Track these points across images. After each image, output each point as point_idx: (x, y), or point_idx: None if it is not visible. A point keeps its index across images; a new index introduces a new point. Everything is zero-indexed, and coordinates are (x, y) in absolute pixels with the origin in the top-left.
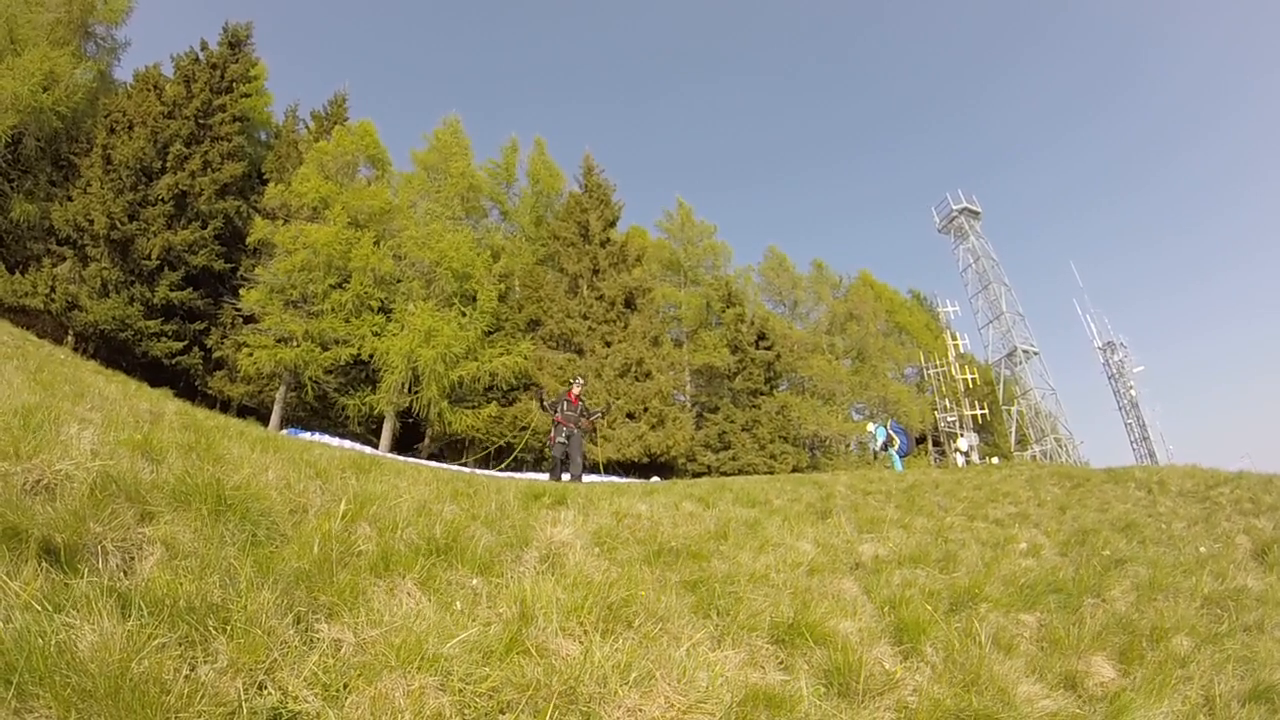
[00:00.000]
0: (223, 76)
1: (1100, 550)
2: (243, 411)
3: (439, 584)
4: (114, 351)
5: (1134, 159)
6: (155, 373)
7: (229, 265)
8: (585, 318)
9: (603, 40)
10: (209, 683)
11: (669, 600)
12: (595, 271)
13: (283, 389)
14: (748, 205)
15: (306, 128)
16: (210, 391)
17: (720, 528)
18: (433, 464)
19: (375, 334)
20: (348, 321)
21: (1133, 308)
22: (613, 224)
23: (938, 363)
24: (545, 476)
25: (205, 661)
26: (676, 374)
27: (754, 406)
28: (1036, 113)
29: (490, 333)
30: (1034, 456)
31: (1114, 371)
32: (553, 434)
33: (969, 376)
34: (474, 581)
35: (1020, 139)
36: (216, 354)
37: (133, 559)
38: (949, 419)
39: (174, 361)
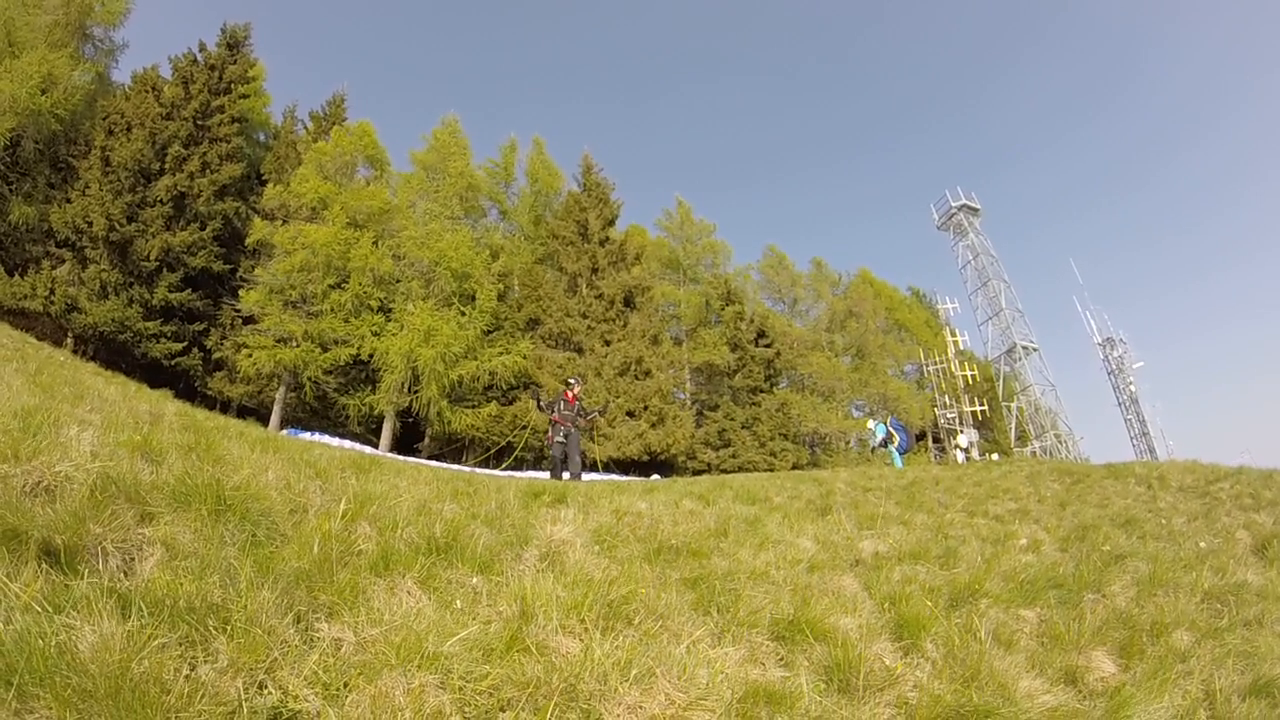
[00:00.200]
0: (221, 78)
1: (1100, 546)
2: (242, 412)
3: (439, 583)
4: (113, 353)
5: (1134, 158)
6: (155, 374)
7: (228, 266)
8: (584, 316)
9: (602, 40)
10: (209, 682)
11: (669, 598)
12: (594, 270)
13: (282, 389)
14: (747, 205)
15: (305, 128)
16: (210, 392)
17: (720, 525)
18: (433, 463)
19: (375, 334)
20: (347, 321)
21: (1133, 306)
22: (611, 223)
23: (937, 359)
24: (545, 475)
25: (205, 661)
26: (676, 372)
27: (754, 404)
28: (1036, 112)
29: (489, 332)
30: (1034, 453)
31: (1114, 367)
32: (550, 433)
33: (969, 373)
34: (474, 580)
35: (1020, 138)
36: (216, 355)
37: (133, 560)
38: (949, 415)
39: (173, 363)
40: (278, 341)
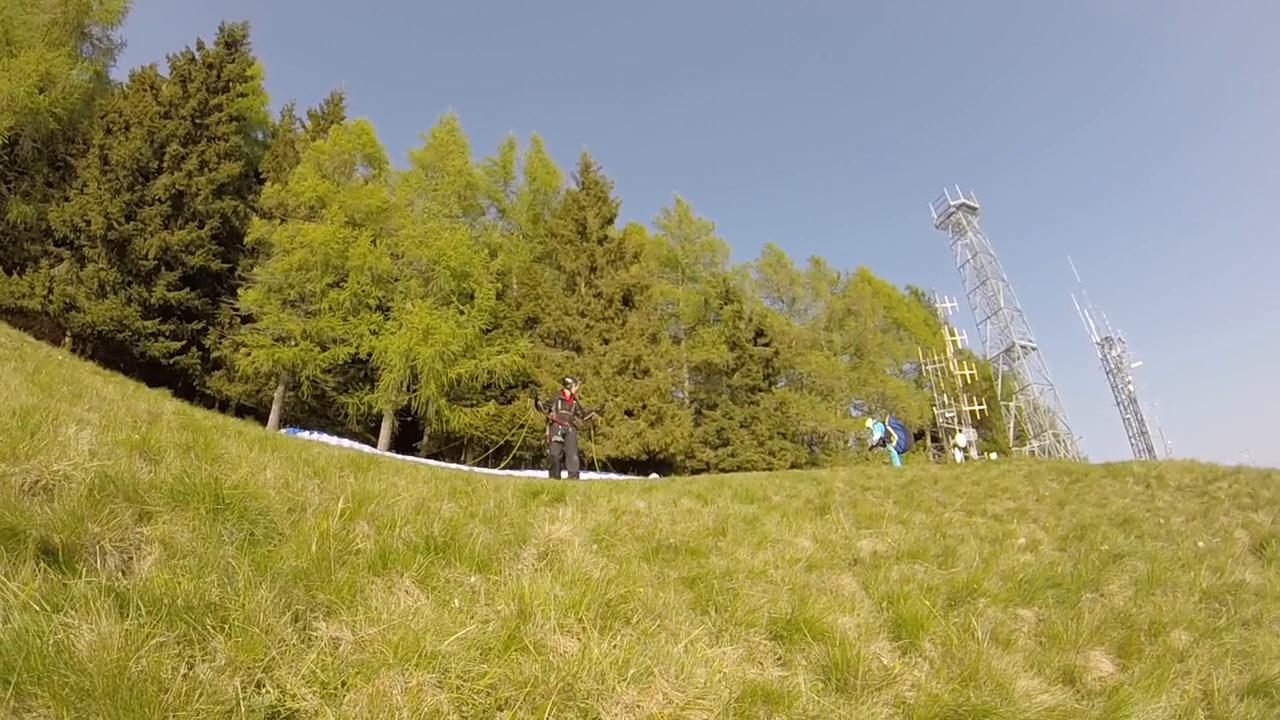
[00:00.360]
0: (219, 76)
1: (1099, 545)
2: (241, 411)
3: (437, 582)
4: (112, 352)
5: (1133, 157)
6: (153, 373)
7: (226, 265)
8: (583, 315)
9: (601, 39)
10: (207, 681)
11: (667, 597)
12: (593, 269)
13: (281, 388)
14: (746, 204)
15: (303, 127)
16: (208, 391)
17: (719, 524)
18: (431, 462)
19: (373, 332)
20: (345, 320)
21: (1131, 305)
22: (610, 221)
23: (936, 358)
24: (544, 474)
25: (203, 660)
26: (675, 371)
27: (752, 403)
28: (1035, 111)
29: (488, 331)
30: (1032, 452)
31: (1112, 366)
32: (548, 433)
33: (967, 372)
34: (472, 579)
35: (1019, 137)
36: (214, 354)
37: (131, 559)
38: (947, 415)
39: (172, 361)
40: (276, 340)
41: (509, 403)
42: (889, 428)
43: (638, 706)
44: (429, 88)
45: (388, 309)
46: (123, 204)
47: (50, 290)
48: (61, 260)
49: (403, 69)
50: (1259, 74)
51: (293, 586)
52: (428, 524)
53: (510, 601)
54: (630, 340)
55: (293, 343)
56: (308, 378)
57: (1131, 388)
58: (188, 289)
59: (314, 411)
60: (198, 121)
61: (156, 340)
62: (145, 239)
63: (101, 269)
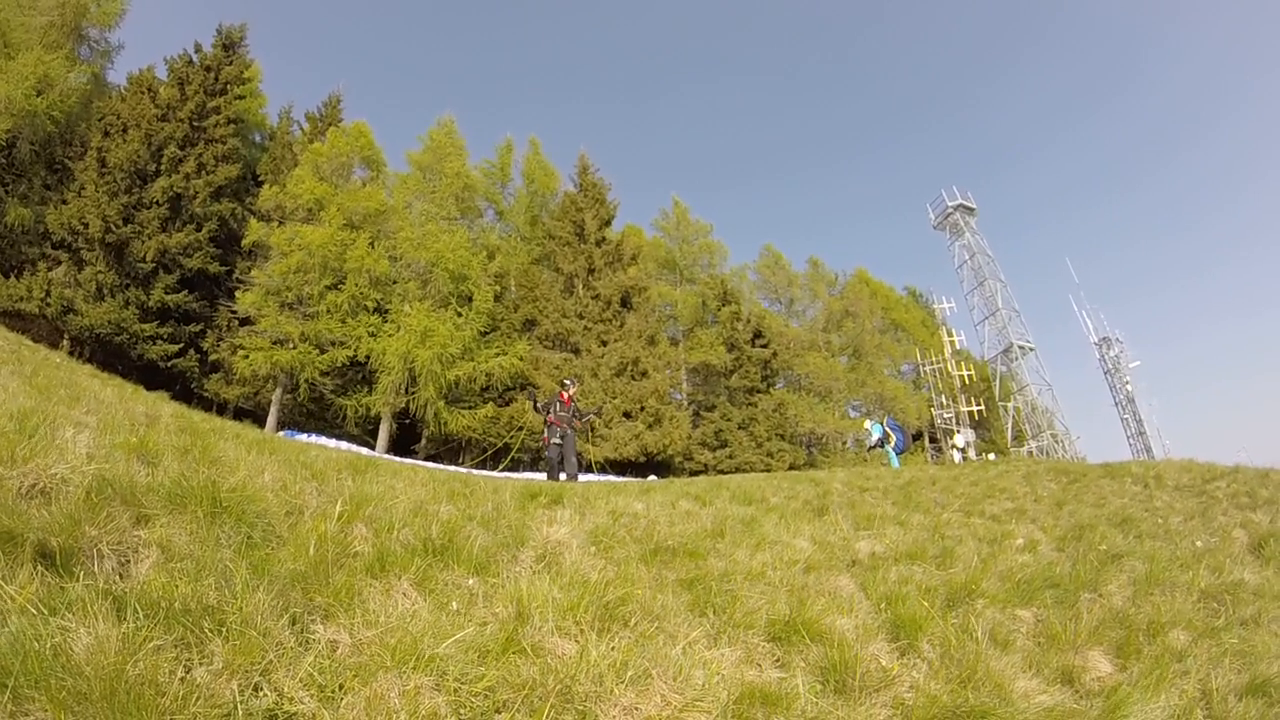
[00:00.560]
0: (217, 79)
1: (1097, 545)
2: (239, 414)
3: (435, 584)
4: (110, 355)
5: (1130, 157)
6: (151, 376)
7: (224, 268)
8: (581, 317)
9: (599, 40)
10: (204, 684)
11: (665, 599)
12: (591, 271)
13: (279, 391)
14: (744, 205)
15: (301, 129)
16: (206, 394)
17: (717, 526)
18: (430, 465)
19: (371, 335)
20: (344, 323)
21: (1129, 304)
22: (608, 223)
23: (934, 359)
24: (542, 476)
25: (201, 663)
26: (673, 372)
27: (750, 404)
28: (1033, 111)
29: (486, 333)
30: (1030, 452)
31: (1110, 367)
32: (546, 435)
33: (965, 373)
34: (470, 581)
35: (1016, 138)
36: (212, 357)
37: (128, 562)
38: (945, 415)
39: (170, 364)
40: (274, 343)
41: (507, 405)
42: (887, 429)
43: (636, 709)
44: (427, 88)
45: (386, 311)
46: (120, 207)
47: (48, 293)
48: (59, 263)
49: (401, 70)
50: (1257, 73)
51: (290, 589)
52: (426, 526)
53: (508, 604)
54: (628, 342)
55: (291, 345)
56: (306, 380)
57: (1129, 388)
58: (186, 292)
59: (312, 414)
60: (195, 124)
61: (154, 343)
62: (143, 242)
63: (99, 272)
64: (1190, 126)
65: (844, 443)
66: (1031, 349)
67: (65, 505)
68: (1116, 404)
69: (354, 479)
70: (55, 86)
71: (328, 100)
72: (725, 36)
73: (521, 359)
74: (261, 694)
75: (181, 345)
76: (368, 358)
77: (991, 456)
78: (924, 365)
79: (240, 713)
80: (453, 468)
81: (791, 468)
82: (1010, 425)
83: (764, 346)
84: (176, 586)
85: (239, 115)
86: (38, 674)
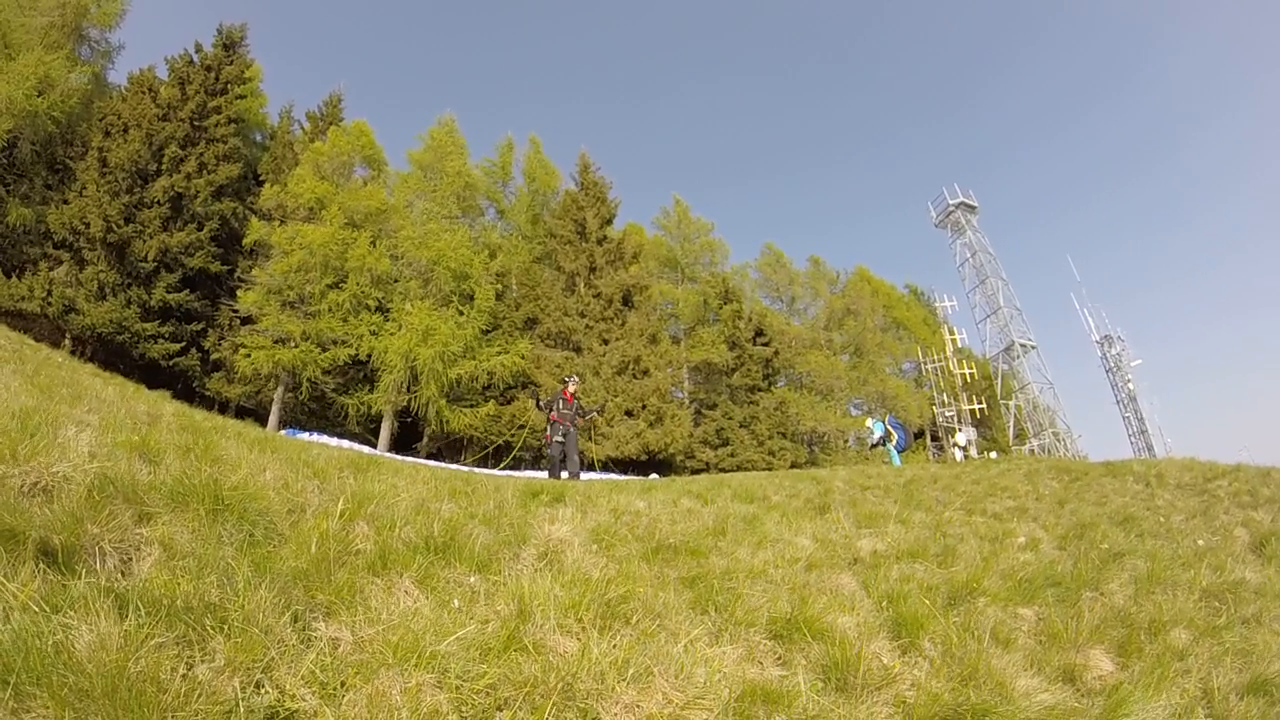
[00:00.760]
0: (217, 78)
1: (1098, 544)
2: (241, 413)
3: (437, 582)
4: (111, 354)
5: (1131, 153)
6: (153, 375)
7: (226, 267)
8: (582, 315)
9: (599, 39)
10: (206, 681)
11: (667, 597)
12: (592, 269)
13: (280, 390)
14: (745, 203)
15: (302, 128)
16: (208, 393)
17: (718, 524)
18: (431, 463)
19: (373, 334)
20: (345, 322)
21: (1130, 301)
22: (609, 221)
23: (935, 358)
24: (544, 475)
25: (203, 661)
26: (674, 371)
27: (752, 403)
28: (1033, 108)
29: (488, 331)
30: (1032, 451)
31: (1112, 365)
32: (549, 433)
33: (967, 371)
34: (472, 579)
35: (1017, 134)
36: (214, 355)
37: (130, 560)
38: (947, 414)
39: (171, 363)
40: (276, 342)
41: (509, 403)
42: (889, 427)
43: (637, 706)
44: (428, 88)
45: (387, 310)
46: (122, 206)
47: (49, 293)
48: (61, 263)
49: (402, 69)
50: (1258, 69)
51: (292, 587)
52: (427, 524)
53: (510, 602)
54: (630, 340)
55: (292, 344)
56: (307, 379)
57: (1131, 386)
58: (187, 291)
59: (314, 413)
60: (196, 124)
61: (156, 342)
62: (144, 241)
63: (101, 271)
64: (1191, 121)
65: (846, 441)
66: (1033, 347)
67: (67, 503)
68: (1118, 402)
69: (356, 477)
70: (56, 87)
71: (328, 99)
72: (725, 35)
73: (523, 357)
74: (263, 691)
75: (183, 344)
76: (369, 356)
77: (993, 455)
78: (925, 363)
79: (242, 710)
80: (454, 466)
81: (793, 466)
82: (1012, 423)
83: (765, 345)
84: (178, 584)
85: (240, 115)
86: (40, 671)
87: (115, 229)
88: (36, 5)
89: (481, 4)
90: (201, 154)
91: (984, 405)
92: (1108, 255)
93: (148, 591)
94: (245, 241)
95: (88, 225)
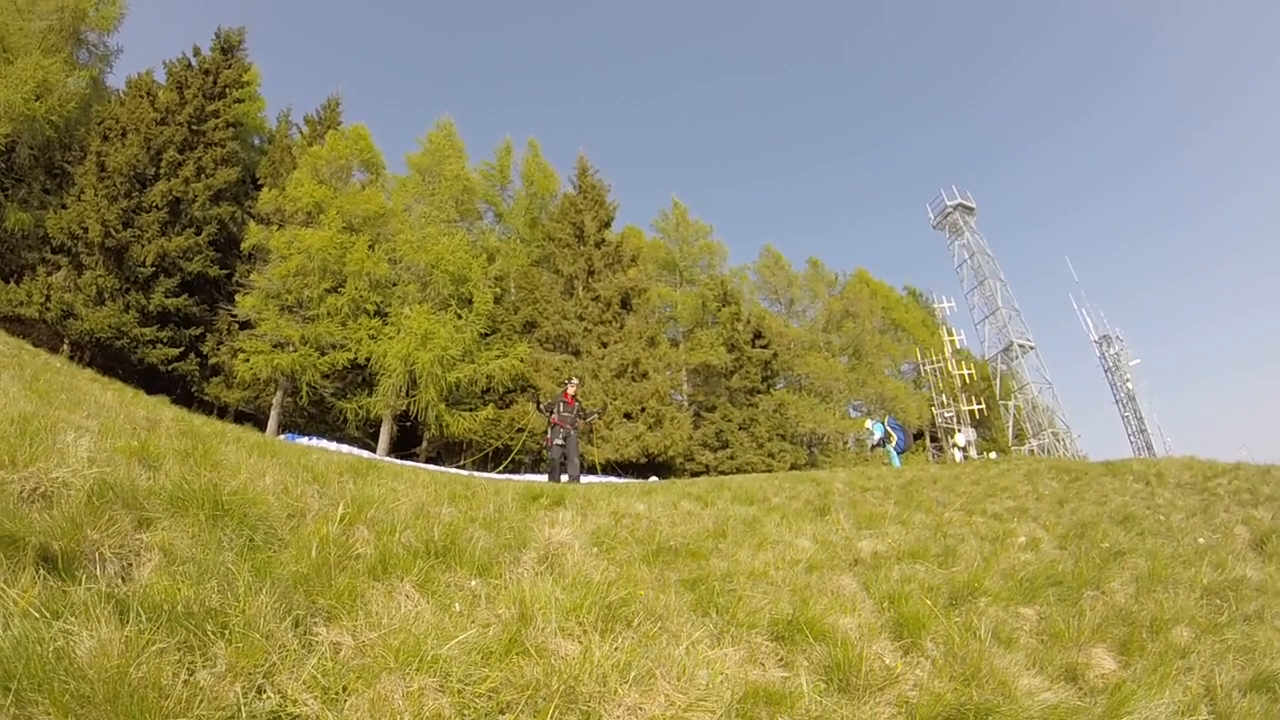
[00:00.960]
0: (215, 82)
1: (1099, 543)
2: (240, 417)
3: (437, 586)
4: (110, 359)
5: (1129, 153)
6: (151, 380)
7: (224, 271)
8: (581, 319)
9: (598, 40)
10: (208, 687)
11: (668, 599)
12: (590, 272)
13: (279, 394)
14: (743, 204)
15: (300, 132)
16: (207, 398)
17: (719, 526)
18: (431, 467)
19: (372, 338)
20: (344, 326)
21: (1129, 301)
22: (607, 225)
23: (934, 359)
24: (543, 478)
25: (204, 666)
26: (673, 374)
27: (751, 405)
28: (1031, 108)
29: (486, 335)
30: (1031, 451)
31: (1110, 365)
32: (549, 435)
33: (966, 372)
34: (472, 583)
35: (1015, 134)
36: (213, 360)
37: (130, 565)
38: (946, 415)
39: (170, 368)
40: (274, 346)
41: (508, 407)
42: (888, 428)
43: (640, 709)
44: (426, 88)
45: (386, 314)
46: (120, 211)
47: (48, 298)
48: (59, 267)
49: (400, 70)
50: (1257, 68)
51: (293, 592)
52: (428, 528)
53: (511, 605)
54: (628, 343)
55: (291, 348)
56: (306, 383)
57: (1130, 385)
58: (185, 295)
59: (313, 417)
60: (194, 128)
61: (154, 347)
62: (143, 246)
63: (99, 276)
64: (1189, 121)
65: (845, 443)
66: (1032, 347)
67: (67, 509)
68: (1117, 402)
69: (355, 481)
70: (54, 91)
71: (326, 103)
72: (723, 36)
73: (522, 361)
74: (265, 696)
75: (182, 349)
76: (368, 360)
77: (993, 455)
78: (924, 365)
79: (244, 715)
80: (453, 470)
81: (793, 468)
82: (1011, 424)
83: (764, 347)
84: (179, 589)
85: (238, 119)
86: (41, 677)
87: (113, 234)
88: (34, 9)
89: (480, 5)
90: (200, 158)
91: (983, 406)
92: (1106, 255)
93: (148, 597)
94: (244, 246)
95: (86, 230)
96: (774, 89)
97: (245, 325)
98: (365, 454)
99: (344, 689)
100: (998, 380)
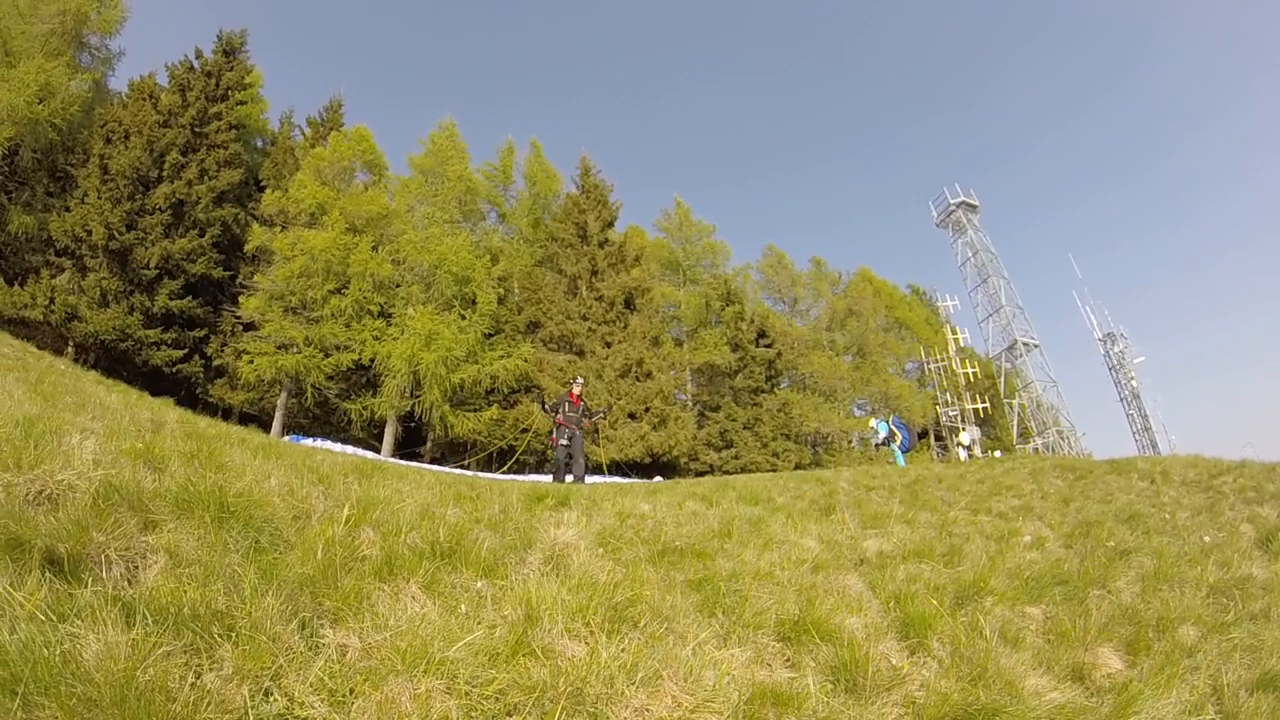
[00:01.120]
0: (218, 84)
1: (1104, 541)
2: (244, 419)
3: (443, 587)
4: (114, 361)
5: (1131, 149)
6: (156, 382)
7: (228, 273)
8: (585, 319)
9: (600, 40)
10: (215, 690)
11: (674, 600)
12: (594, 272)
13: (284, 395)
14: (746, 203)
15: (302, 134)
16: (211, 399)
17: (724, 526)
18: (435, 467)
19: (376, 339)
20: (348, 327)
21: (1132, 298)
22: (610, 224)
23: (938, 357)
24: (548, 478)
25: (211, 669)
26: (677, 373)
27: (755, 404)
28: (1033, 105)
29: (490, 335)
30: (1036, 449)
31: (1115, 363)
32: (554, 435)
33: (970, 370)
34: (478, 584)
35: (1017, 132)
36: (217, 362)
37: (136, 567)
38: (950, 413)
39: (174, 370)
40: (279, 348)
41: (512, 407)
42: (893, 427)
43: (647, 710)
44: (428, 88)
45: (390, 315)
46: (123, 213)
47: (52, 300)
48: (63, 270)
49: (402, 70)
50: (1258, 63)
51: (299, 594)
52: (433, 529)
53: (517, 606)
54: (632, 343)
55: (295, 350)
56: (311, 384)
57: (1134, 383)
58: (189, 297)
59: (317, 418)
60: (197, 130)
61: (159, 349)
62: (146, 248)
63: (103, 278)
64: (1190, 117)
65: (849, 442)
66: (1036, 345)
67: (72, 511)
68: (1121, 400)
69: (360, 483)
70: (57, 94)
71: (329, 105)
72: (725, 35)
73: (526, 361)
74: (272, 699)
75: (186, 351)
76: (372, 361)
77: (997, 454)
78: (928, 363)
79: (251, 718)
80: (458, 470)
81: (797, 467)
82: (1015, 422)
83: (768, 346)
84: (185, 592)
85: (240, 121)
86: (47, 681)
87: (117, 236)
88: (37, 12)
89: (481, 5)
90: (203, 160)
91: (987, 404)
92: (1109, 252)
93: (154, 600)
94: (247, 247)
95: (89, 232)
96: (775, 88)
97: (249, 327)
98: (370, 455)
99: (351, 691)
100: (1002, 379)
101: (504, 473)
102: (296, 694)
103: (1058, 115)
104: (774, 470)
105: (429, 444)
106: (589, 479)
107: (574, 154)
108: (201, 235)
